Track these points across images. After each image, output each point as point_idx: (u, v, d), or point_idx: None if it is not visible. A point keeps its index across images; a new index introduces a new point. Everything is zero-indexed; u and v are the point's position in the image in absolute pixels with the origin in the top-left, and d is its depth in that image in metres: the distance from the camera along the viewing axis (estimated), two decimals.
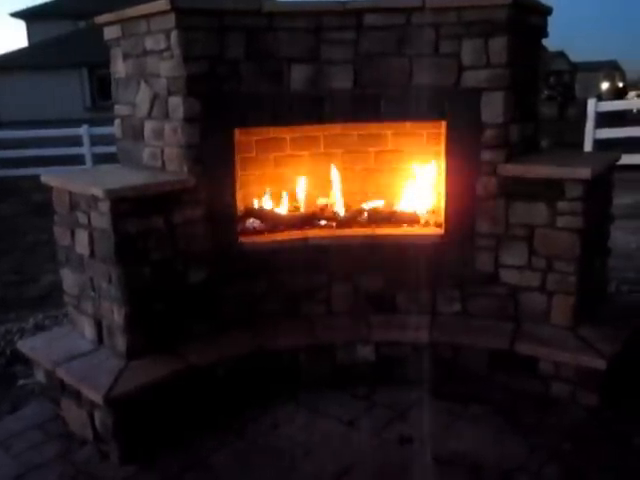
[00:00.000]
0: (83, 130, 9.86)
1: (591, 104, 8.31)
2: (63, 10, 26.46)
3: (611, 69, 43.82)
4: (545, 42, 3.62)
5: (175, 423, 2.84)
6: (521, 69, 3.20)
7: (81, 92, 23.24)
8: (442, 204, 3.36)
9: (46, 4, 28.08)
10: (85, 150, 9.93)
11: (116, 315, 2.89)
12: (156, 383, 2.77)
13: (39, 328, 4.10)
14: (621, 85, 43.79)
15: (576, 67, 37.30)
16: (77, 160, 9.87)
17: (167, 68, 3.06)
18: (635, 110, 19.75)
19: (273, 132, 3.58)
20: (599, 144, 8.41)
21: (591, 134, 8.31)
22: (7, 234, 7.25)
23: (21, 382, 3.43)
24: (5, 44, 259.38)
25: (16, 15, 28.89)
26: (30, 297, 4.94)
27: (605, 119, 8.85)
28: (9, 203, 9.15)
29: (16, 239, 6.98)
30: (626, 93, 39.59)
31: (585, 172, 2.95)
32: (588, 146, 8.36)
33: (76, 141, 10.08)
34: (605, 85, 38.58)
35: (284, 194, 3.66)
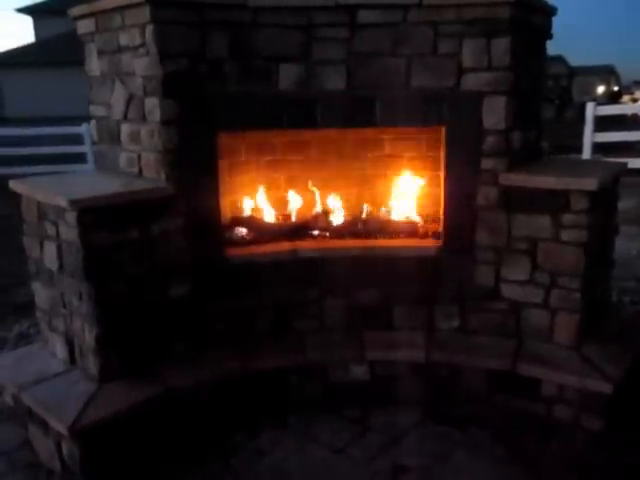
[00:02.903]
0: (84, 128, 9.65)
1: (590, 108, 8.17)
2: (70, 6, 26.10)
3: (607, 73, 44.15)
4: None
5: (152, 453, 2.64)
6: (525, 72, 3.04)
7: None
8: (441, 214, 3.19)
9: (53, 0, 27.75)
10: (87, 148, 9.73)
11: (87, 335, 2.69)
12: (130, 410, 2.58)
13: (23, 337, 3.96)
14: (616, 89, 44.20)
15: (573, 71, 37.78)
16: (79, 158, 9.70)
17: (142, 66, 2.85)
18: (630, 114, 19.78)
19: (263, 136, 3.41)
20: (598, 147, 8.30)
21: (590, 138, 8.19)
22: (0, 235, 7.01)
23: None
24: (11, 40, 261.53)
25: (22, 11, 28.66)
26: (19, 302, 4.73)
27: (605, 122, 8.73)
28: (4, 203, 8.89)
29: (9, 240, 6.76)
30: (621, 96, 40.18)
31: (591, 183, 2.79)
32: (587, 150, 8.27)
33: (77, 139, 9.87)
34: (601, 89, 38.93)
35: (274, 201, 3.48)
